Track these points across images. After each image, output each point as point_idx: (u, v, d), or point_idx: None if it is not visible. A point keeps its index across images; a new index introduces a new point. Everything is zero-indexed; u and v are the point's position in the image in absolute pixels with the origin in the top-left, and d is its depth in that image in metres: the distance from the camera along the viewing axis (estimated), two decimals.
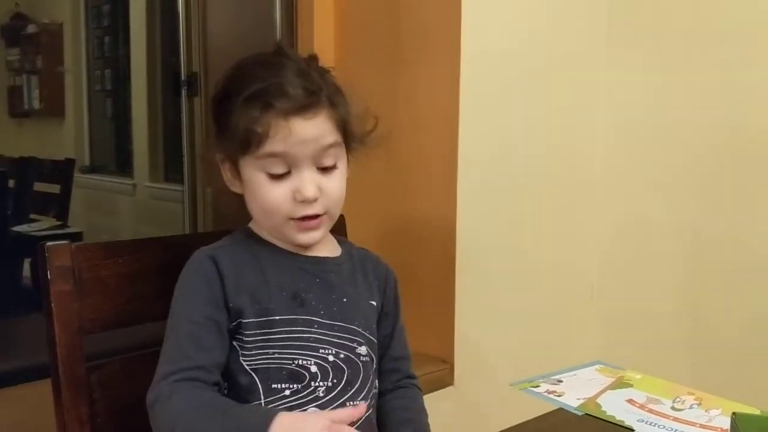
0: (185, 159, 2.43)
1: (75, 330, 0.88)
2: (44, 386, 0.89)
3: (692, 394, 1.08)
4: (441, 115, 1.60)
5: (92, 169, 4.19)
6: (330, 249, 0.92)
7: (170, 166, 3.58)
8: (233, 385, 0.84)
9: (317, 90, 0.83)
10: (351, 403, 0.85)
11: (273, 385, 0.82)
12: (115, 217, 3.96)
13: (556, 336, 1.83)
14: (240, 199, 0.89)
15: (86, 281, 0.89)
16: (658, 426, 0.99)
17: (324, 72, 0.88)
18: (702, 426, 0.99)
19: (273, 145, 0.82)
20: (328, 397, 0.84)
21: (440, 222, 1.63)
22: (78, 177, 3.62)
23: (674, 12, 1.76)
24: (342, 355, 0.85)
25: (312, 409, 0.82)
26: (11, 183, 3.20)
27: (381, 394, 0.94)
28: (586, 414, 1.03)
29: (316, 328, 0.85)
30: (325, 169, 0.85)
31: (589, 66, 1.87)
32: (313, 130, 0.83)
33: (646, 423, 1.00)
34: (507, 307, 1.74)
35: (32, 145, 4.03)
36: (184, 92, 2.27)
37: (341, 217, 1.20)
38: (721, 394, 1.08)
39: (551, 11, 1.75)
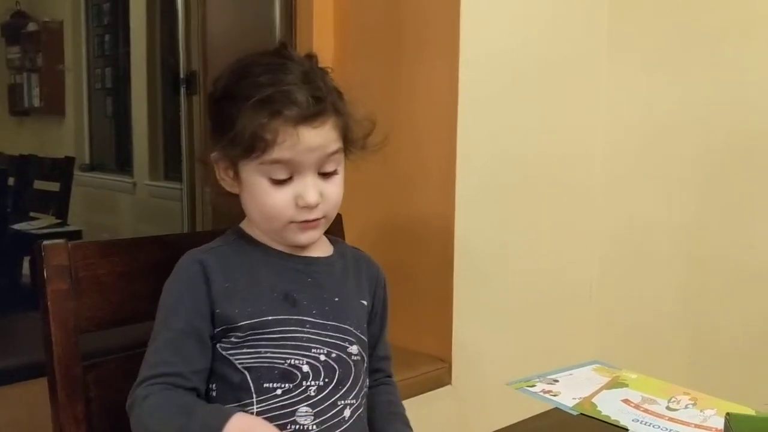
0: (183, 157, 2.43)
1: (71, 329, 0.89)
2: (41, 384, 0.90)
3: (687, 394, 1.08)
4: (440, 115, 1.61)
5: (92, 167, 4.19)
6: (322, 249, 0.93)
7: (170, 164, 3.58)
8: (225, 384, 0.84)
9: (323, 97, 0.84)
10: (342, 402, 0.85)
11: (265, 384, 0.82)
12: (114, 215, 3.96)
13: (554, 336, 1.83)
14: (234, 198, 0.89)
15: (83, 280, 0.90)
16: (653, 426, 0.99)
17: (324, 74, 0.88)
18: (696, 426, 0.99)
19: (280, 153, 0.82)
20: (319, 396, 0.84)
21: (439, 221, 1.64)
22: (78, 175, 3.62)
23: (674, 13, 1.76)
24: (334, 355, 0.86)
25: (304, 408, 0.83)
26: (11, 181, 3.20)
27: None
28: (582, 414, 1.04)
29: (308, 328, 0.85)
30: (326, 175, 0.86)
31: (588, 67, 1.87)
32: (320, 138, 0.83)
33: (641, 423, 1.00)
34: (505, 307, 1.74)
35: (32, 143, 4.03)
36: (183, 91, 2.27)
37: (338, 216, 1.20)
38: (718, 394, 1.08)
39: (551, 12, 1.75)
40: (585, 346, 1.89)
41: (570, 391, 1.10)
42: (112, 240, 0.97)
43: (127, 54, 3.87)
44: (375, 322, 0.96)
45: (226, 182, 0.88)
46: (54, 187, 3.21)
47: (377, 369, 0.98)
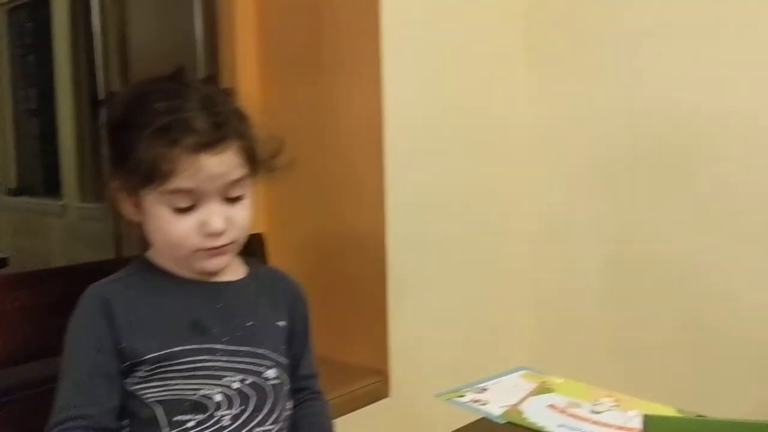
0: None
1: None
2: None
3: (611, 396, 1.10)
4: (367, 128, 1.60)
5: (19, 190, 4.05)
6: (233, 272, 0.91)
7: (101, 185, 3.48)
8: (137, 420, 0.82)
9: (224, 122, 0.82)
10: (260, 428, 0.84)
11: (176, 418, 0.80)
12: (44, 239, 3.83)
13: (491, 342, 1.85)
14: (139, 226, 0.86)
15: None
16: (578, 430, 1.01)
17: (226, 96, 0.86)
18: (619, 428, 1.01)
19: (180, 182, 0.80)
20: (234, 425, 0.82)
21: (371, 233, 1.63)
22: (4, 199, 3.50)
23: (588, 20, 1.80)
24: (248, 381, 0.84)
25: None
26: None
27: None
28: (509, 422, 1.05)
29: (219, 356, 0.83)
30: (232, 200, 0.84)
31: (508, 76, 1.90)
32: (222, 165, 0.81)
33: (566, 428, 1.02)
34: (441, 316, 1.75)
35: None
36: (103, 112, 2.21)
37: (258, 236, 1.19)
38: (649, 394, 1.10)
39: (468, 23, 1.77)
40: (520, 351, 1.91)
41: (498, 400, 1.11)
42: (17, 273, 0.94)
43: (52, 74, 3.76)
44: (296, 341, 0.94)
45: (129, 211, 0.86)
46: None
47: (302, 388, 0.96)
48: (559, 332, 1.90)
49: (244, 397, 0.83)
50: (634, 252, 1.76)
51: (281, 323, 0.92)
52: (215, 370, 0.82)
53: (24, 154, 4.13)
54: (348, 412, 1.59)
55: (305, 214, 1.74)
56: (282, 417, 0.88)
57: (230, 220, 0.84)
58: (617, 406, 1.07)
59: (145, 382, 0.81)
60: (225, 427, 0.82)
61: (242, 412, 0.83)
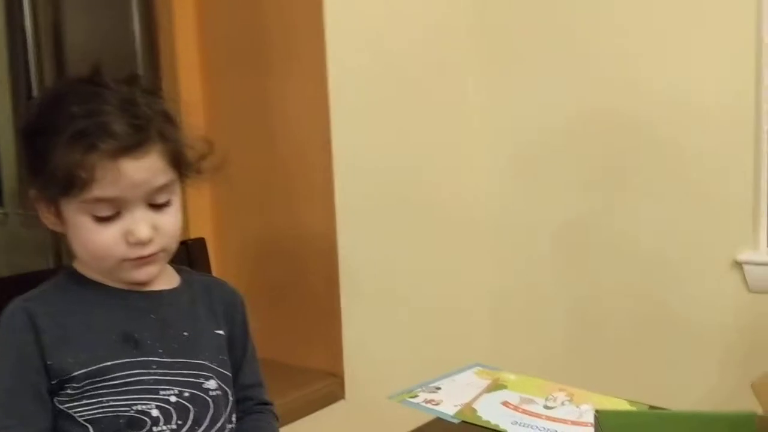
0: None
1: None
2: None
3: (563, 390, 1.10)
4: (313, 128, 1.57)
5: None
6: (166, 281, 0.86)
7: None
8: None
9: (145, 124, 0.77)
10: None
11: None
12: None
13: (446, 340, 1.83)
14: (63, 236, 0.82)
15: None
16: (532, 427, 1.00)
17: (151, 96, 0.81)
18: (573, 423, 1.00)
19: (100, 190, 0.75)
20: None
21: (321, 235, 1.60)
22: None
23: (536, 18, 1.80)
24: (186, 394, 0.80)
25: None
26: None
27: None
28: (463, 421, 1.03)
29: (154, 369, 0.79)
30: (158, 206, 0.79)
31: (456, 72, 1.88)
32: (144, 171, 0.77)
33: (519, 425, 1.00)
34: (394, 316, 1.73)
35: None
36: None
37: (201, 241, 1.15)
38: (610, 388, 1.09)
39: (415, 24, 1.75)
40: (476, 348, 1.90)
41: (451, 398, 1.10)
42: None
43: None
44: (235, 348, 0.90)
45: (49, 221, 0.80)
46: None
47: (246, 398, 0.92)
48: (515, 328, 1.89)
49: (183, 410, 0.79)
50: (597, 247, 1.76)
51: (219, 332, 0.88)
52: (150, 384, 0.78)
53: None
54: (304, 415, 1.56)
55: (252, 216, 1.70)
56: (225, 429, 0.84)
57: (157, 227, 0.79)
58: (570, 400, 1.07)
59: (76, 400, 0.77)
60: None
61: (181, 426, 0.79)
